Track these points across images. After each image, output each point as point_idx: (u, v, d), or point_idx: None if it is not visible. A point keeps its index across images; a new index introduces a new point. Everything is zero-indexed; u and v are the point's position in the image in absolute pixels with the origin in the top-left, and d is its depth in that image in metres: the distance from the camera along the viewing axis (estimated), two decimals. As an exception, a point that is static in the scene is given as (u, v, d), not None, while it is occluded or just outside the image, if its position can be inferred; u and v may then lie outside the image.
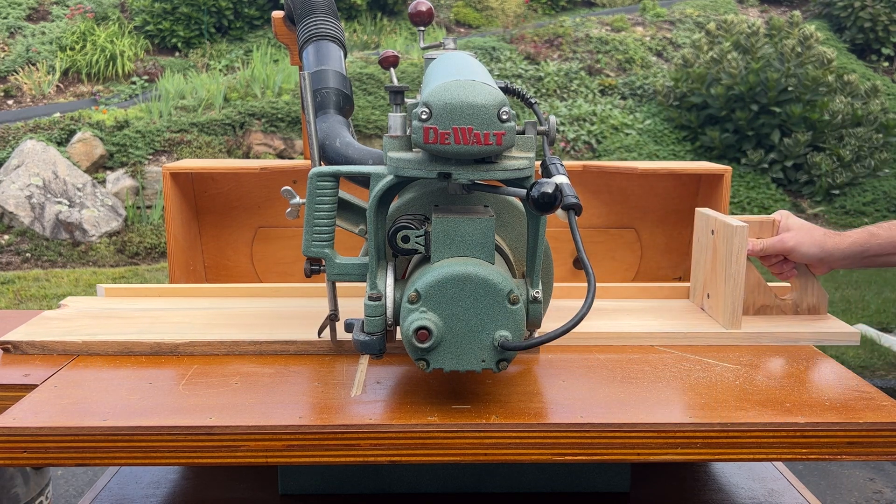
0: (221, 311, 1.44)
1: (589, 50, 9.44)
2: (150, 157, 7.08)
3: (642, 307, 1.48)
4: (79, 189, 6.64)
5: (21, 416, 1.04)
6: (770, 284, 1.44)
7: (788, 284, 1.45)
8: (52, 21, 9.34)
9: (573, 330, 1.31)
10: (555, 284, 1.32)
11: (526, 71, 8.88)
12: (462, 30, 10.33)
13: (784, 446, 1.03)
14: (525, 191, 0.97)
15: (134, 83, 8.59)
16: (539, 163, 1.17)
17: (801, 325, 1.38)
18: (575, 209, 1.02)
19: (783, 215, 1.43)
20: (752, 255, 1.40)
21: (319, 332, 1.26)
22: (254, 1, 9.63)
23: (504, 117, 0.96)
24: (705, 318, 1.42)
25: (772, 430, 1.03)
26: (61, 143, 7.02)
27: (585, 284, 1.25)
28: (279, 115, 7.57)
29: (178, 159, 6.85)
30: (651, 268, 1.97)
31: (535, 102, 1.22)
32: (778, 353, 1.30)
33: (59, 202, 6.50)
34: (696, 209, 1.48)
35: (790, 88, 7.74)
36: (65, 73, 8.64)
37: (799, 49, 7.92)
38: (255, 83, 7.96)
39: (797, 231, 1.39)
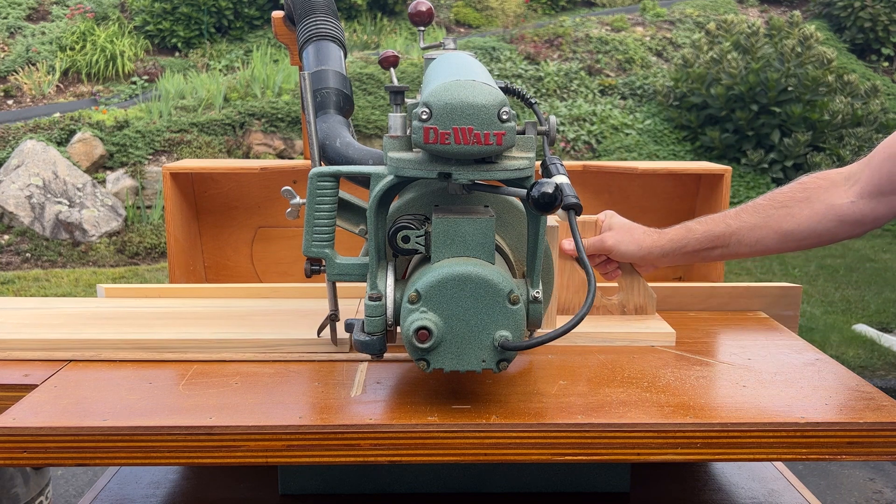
0: (46, 312, 1.45)
1: (589, 50, 9.44)
2: (150, 157, 7.08)
3: None
4: (79, 189, 6.64)
5: (21, 416, 1.04)
6: (598, 285, 1.44)
7: (616, 284, 1.45)
8: (52, 21, 9.34)
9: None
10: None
11: (526, 71, 8.88)
12: (462, 30, 10.33)
13: (784, 446, 1.03)
14: (525, 191, 0.97)
15: (134, 83, 8.59)
16: (539, 163, 1.17)
17: (618, 324, 1.37)
18: (575, 209, 1.02)
19: (607, 215, 1.42)
20: (573, 255, 1.40)
21: (319, 332, 1.26)
22: (254, 1, 9.63)
23: (504, 117, 0.96)
24: None
25: (772, 430, 1.03)
26: (61, 143, 7.02)
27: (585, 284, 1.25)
28: (279, 115, 7.57)
29: (178, 159, 6.85)
30: (651, 268, 1.97)
31: (535, 102, 1.22)
32: (778, 353, 1.30)
33: (59, 202, 6.50)
34: None
35: (790, 88, 7.74)
36: (65, 73, 8.64)
37: (799, 49, 7.92)
38: (255, 83, 7.97)
39: (617, 230, 1.39)
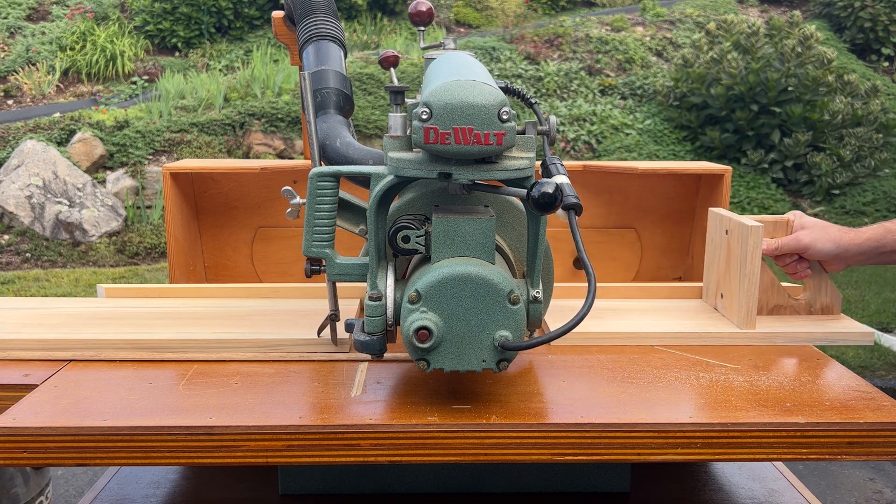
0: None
1: (589, 50, 9.44)
2: (150, 157, 7.08)
3: (656, 307, 1.48)
4: (79, 189, 6.64)
5: (21, 416, 1.04)
6: (783, 284, 1.45)
7: (801, 285, 1.45)
8: (52, 21, 9.34)
9: (591, 330, 1.32)
10: (555, 284, 1.32)
11: (526, 71, 8.88)
12: (462, 30, 10.33)
13: (784, 446, 1.03)
14: (525, 191, 0.97)
15: (134, 83, 8.59)
16: (539, 163, 1.17)
17: (814, 324, 1.38)
18: (575, 209, 1.02)
19: (796, 215, 1.42)
20: (767, 255, 1.40)
21: (319, 332, 1.26)
22: (254, 1, 9.63)
23: (504, 117, 0.96)
24: (719, 317, 1.42)
25: (772, 430, 1.03)
26: (61, 143, 7.02)
27: (585, 284, 1.25)
28: (279, 115, 7.57)
29: (178, 159, 6.85)
30: (651, 268, 1.97)
31: (535, 102, 1.22)
32: (778, 353, 1.30)
33: (59, 202, 6.50)
34: (710, 209, 1.48)
35: (790, 88, 7.74)
36: (65, 73, 8.64)
37: (799, 49, 7.92)
38: (255, 83, 7.96)
39: (812, 229, 1.39)
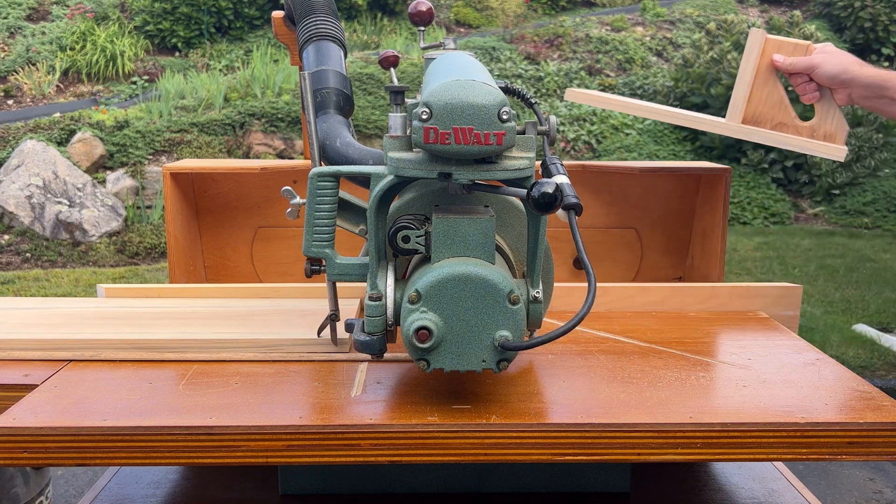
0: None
1: (589, 50, 9.44)
2: (150, 157, 7.08)
3: None
4: (79, 189, 6.64)
5: (21, 416, 1.04)
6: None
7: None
8: (52, 21, 9.34)
9: None
10: (555, 284, 1.32)
11: (526, 71, 8.88)
12: (462, 30, 10.33)
13: (784, 446, 1.03)
14: (525, 191, 0.97)
15: (134, 83, 8.59)
16: (539, 163, 1.17)
17: (796, 138, 1.45)
18: (575, 209, 1.02)
19: (822, 45, 1.48)
20: (780, 69, 1.47)
21: (319, 332, 1.26)
22: (254, 1, 9.63)
23: (504, 117, 0.96)
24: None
25: (772, 430, 1.03)
26: (61, 143, 7.02)
27: (585, 284, 1.25)
28: (279, 115, 7.57)
29: (178, 159, 6.85)
30: (651, 268, 1.97)
31: (536, 102, 1.21)
32: (778, 353, 1.30)
33: (59, 202, 6.50)
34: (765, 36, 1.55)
35: (790, 88, 7.74)
36: (65, 73, 8.65)
37: (799, 49, 7.92)
38: (255, 83, 7.97)
39: (828, 53, 1.43)
